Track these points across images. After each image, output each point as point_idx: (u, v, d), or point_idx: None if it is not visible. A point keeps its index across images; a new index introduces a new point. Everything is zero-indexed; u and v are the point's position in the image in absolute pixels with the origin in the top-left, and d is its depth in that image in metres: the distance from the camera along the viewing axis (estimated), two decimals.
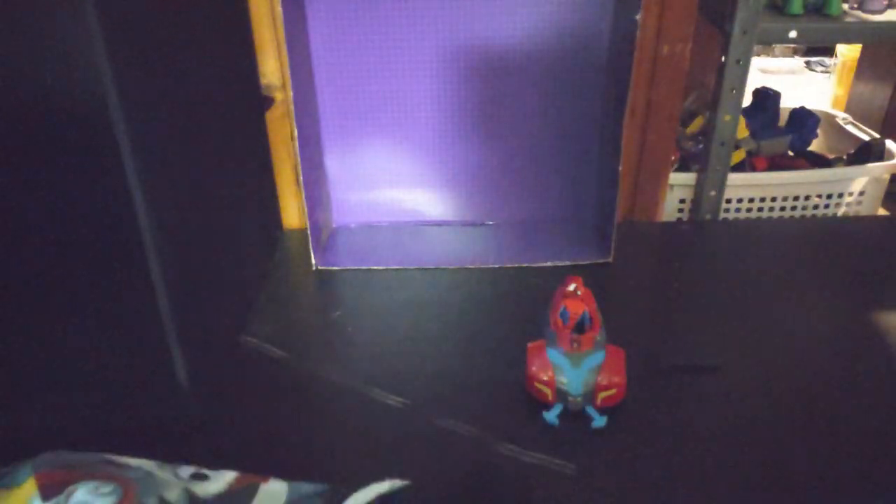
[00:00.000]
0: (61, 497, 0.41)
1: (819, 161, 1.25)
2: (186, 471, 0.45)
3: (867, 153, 1.18)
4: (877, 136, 1.24)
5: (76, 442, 0.47)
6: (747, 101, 1.11)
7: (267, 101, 0.77)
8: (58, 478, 0.42)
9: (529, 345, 0.54)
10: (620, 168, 0.69)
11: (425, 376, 0.57)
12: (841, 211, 1.12)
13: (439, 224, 0.83)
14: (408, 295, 0.69)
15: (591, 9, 0.71)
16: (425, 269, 0.74)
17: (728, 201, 1.08)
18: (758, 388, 0.56)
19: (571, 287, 0.60)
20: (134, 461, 0.45)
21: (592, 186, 0.81)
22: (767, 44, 1.36)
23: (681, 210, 1.05)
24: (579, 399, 0.51)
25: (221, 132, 0.61)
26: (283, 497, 0.45)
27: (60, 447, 0.46)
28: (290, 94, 0.64)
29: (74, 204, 0.43)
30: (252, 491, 0.45)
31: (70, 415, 0.52)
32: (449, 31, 0.72)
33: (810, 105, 1.30)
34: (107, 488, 0.42)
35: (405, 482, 0.45)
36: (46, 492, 0.41)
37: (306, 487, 0.46)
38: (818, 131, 1.28)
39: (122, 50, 0.41)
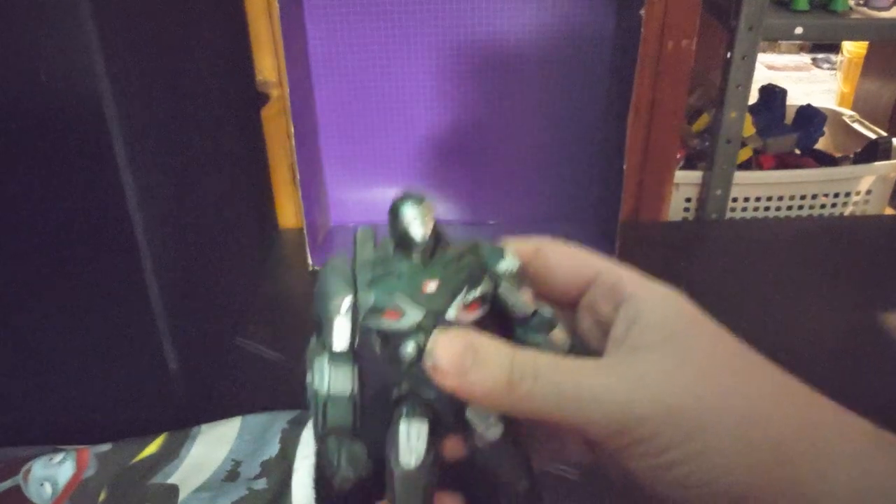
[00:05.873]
0: (18, 476, 0.42)
1: (826, 159, 1.23)
2: None
3: (874, 151, 1.17)
4: (884, 134, 1.23)
5: (70, 443, 0.47)
6: (753, 97, 1.10)
7: (263, 98, 0.76)
8: (7, 465, 0.44)
9: None
10: (625, 166, 0.68)
11: None
12: (848, 210, 1.10)
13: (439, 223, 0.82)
14: None
15: (594, 4, 0.70)
16: None
17: (734, 200, 1.06)
18: None
19: None
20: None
21: (596, 185, 0.80)
22: (773, 40, 1.35)
23: (686, 209, 1.03)
24: None
25: (217, 130, 0.60)
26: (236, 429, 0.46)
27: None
28: (287, 90, 0.64)
29: (67, 203, 0.43)
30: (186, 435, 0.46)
31: (63, 417, 0.51)
32: (449, 26, 0.71)
33: (816, 103, 1.29)
34: (59, 457, 0.44)
35: None
36: None
37: (262, 418, 0.47)
38: (824, 129, 1.26)
39: (117, 46, 0.40)
